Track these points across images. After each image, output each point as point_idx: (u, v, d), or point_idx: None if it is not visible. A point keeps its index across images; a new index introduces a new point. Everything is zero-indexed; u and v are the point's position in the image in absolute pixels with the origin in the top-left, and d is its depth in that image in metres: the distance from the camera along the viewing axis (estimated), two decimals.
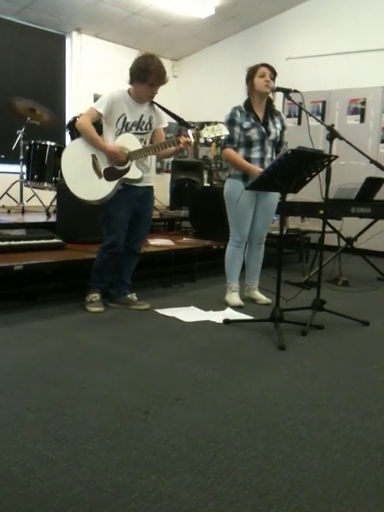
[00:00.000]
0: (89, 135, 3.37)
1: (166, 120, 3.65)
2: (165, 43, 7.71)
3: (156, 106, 3.54)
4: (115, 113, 3.37)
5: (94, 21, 6.92)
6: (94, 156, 3.40)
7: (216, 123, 3.36)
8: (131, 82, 3.38)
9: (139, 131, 3.44)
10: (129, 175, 3.39)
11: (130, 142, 3.38)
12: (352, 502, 1.54)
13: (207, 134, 3.36)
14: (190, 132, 3.31)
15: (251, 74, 3.62)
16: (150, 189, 3.60)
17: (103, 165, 3.39)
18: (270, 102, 3.73)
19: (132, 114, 3.40)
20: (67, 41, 7.24)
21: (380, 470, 1.72)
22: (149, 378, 2.45)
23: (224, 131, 3.36)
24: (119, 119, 3.38)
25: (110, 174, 3.39)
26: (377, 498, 1.56)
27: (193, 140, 3.33)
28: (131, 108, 3.40)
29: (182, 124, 3.84)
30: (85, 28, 7.15)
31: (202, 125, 3.40)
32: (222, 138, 3.57)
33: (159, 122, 3.55)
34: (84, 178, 3.40)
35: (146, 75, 3.28)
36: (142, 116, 3.43)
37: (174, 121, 3.95)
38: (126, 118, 3.38)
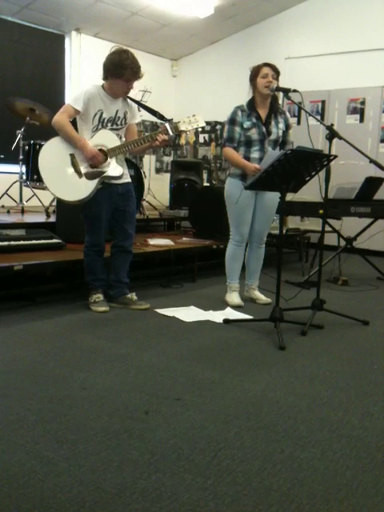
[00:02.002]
0: (67, 132, 3.31)
1: (139, 115, 3.66)
2: (164, 43, 7.71)
3: (129, 101, 3.54)
4: (91, 109, 3.34)
5: (93, 21, 6.92)
6: (72, 155, 3.35)
7: (193, 115, 3.37)
8: (105, 77, 3.36)
9: (115, 127, 3.43)
10: (109, 173, 3.37)
11: (109, 139, 3.37)
12: (352, 501, 1.55)
13: (185, 126, 3.38)
14: (167, 125, 3.33)
15: (254, 73, 3.63)
16: (129, 184, 3.58)
17: (82, 164, 3.35)
18: (275, 101, 3.72)
19: (108, 109, 3.38)
20: (66, 41, 7.25)
21: (379, 469, 1.73)
22: (148, 378, 2.45)
23: (201, 122, 3.39)
24: (96, 115, 3.35)
25: (90, 173, 3.36)
26: (376, 498, 1.57)
27: (171, 133, 3.34)
28: (107, 104, 3.38)
29: (159, 118, 3.85)
30: (84, 28, 7.16)
31: None
32: (199, 129, 3.61)
33: (132, 117, 3.55)
34: (63, 177, 3.36)
35: (122, 71, 3.27)
36: (118, 111, 3.42)
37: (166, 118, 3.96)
38: (102, 114, 3.36)
